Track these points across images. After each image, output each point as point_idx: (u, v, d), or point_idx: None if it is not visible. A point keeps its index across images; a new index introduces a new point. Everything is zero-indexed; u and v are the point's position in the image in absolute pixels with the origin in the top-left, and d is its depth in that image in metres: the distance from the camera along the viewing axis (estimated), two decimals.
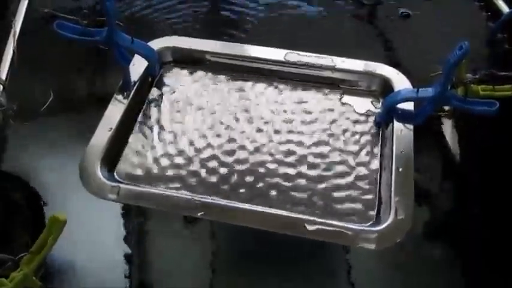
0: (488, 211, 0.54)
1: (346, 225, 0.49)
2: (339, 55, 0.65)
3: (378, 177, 0.54)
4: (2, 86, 0.47)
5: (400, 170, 0.53)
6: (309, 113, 0.61)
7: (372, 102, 0.62)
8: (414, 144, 0.56)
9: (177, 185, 0.54)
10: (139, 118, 0.60)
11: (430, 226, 0.53)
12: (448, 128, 0.61)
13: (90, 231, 0.51)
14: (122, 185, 0.52)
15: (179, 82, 0.64)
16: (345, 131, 0.59)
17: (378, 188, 0.53)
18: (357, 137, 0.58)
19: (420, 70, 0.64)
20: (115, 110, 0.59)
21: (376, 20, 0.73)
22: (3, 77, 0.48)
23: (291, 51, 0.64)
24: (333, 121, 0.60)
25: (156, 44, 0.65)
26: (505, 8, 0.62)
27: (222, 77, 0.65)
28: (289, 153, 0.57)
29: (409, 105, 0.58)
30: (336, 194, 0.53)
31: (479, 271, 0.50)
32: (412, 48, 0.69)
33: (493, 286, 0.49)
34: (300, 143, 0.57)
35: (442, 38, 0.68)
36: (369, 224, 0.50)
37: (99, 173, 0.52)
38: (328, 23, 0.72)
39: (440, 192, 0.56)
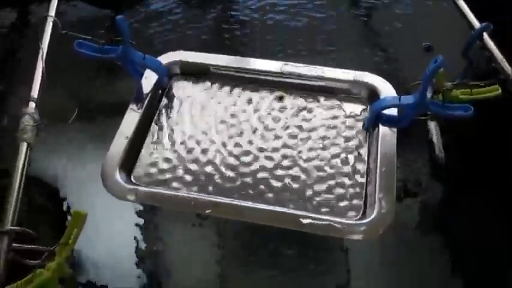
0: (470, 199, 0.60)
1: (335, 219, 0.55)
2: (334, 60, 0.71)
3: (365, 176, 0.61)
4: (34, 104, 0.54)
5: (384, 169, 0.59)
6: (304, 118, 0.67)
7: (360, 108, 0.68)
8: (400, 142, 0.62)
9: (188, 186, 0.60)
10: (152, 126, 0.66)
11: (419, 218, 0.59)
12: (431, 127, 0.67)
13: (109, 227, 0.57)
14: (139, 188, 0.59)
15: (187, 93, 0.70)
16: (336, 134, 0.65)
17: (364, 185, 0.60)
18: (347, 139, 0.64)
19: (404, 77, 0.70)
20: (130, 120, 0.65)
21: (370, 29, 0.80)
22: (36, 95, 0.54)
23: (287, 62, 0.70)
24: (325, 125, 0.66)
25: (166, 58, 0.71)
26: (475, 21, 0.68)
27: (225, 88, 0.71)
28: (286, 156, 0.63)
29: (393, 111, 0.64)
30: (326, 192, 0.59)
31: (464, 257, 0.56)
32: (399, 56, 0.76)
33: (481, 271, 0.55)
34: (295, 147, 0.64)
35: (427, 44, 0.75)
36: (356, 218, 0.57)
37: (119, 177, 0.59)
38: (325, 31, 0.79)
39: (427, 185, 0.63)
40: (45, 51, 0.57)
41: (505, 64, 0.61)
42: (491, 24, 0.61)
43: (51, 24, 0.62)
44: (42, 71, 0.55)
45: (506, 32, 0.70)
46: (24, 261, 0.48)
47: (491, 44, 0.63)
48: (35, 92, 0.55)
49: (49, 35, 0.61)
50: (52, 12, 0.63)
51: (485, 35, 0.64)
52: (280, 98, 0.70)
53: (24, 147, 0.52)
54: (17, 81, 0.71)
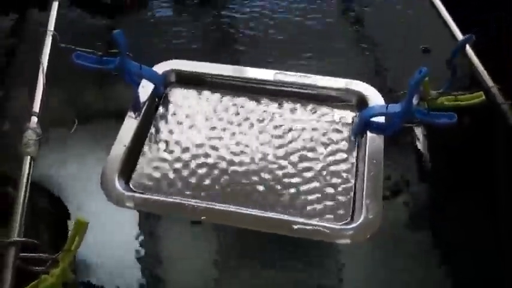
0: (456, 202, 0.63)
1: (324, 224, 0.58)
2: (326, 68, 0.74)
3: (353, 181, 0.63)
4: (36, 118, 0.56)
5: (372, 174, 0.62)
6: (296, 125, 0.69)
7: (350, 114, 0.71)
8: (387, 148, 0.65)
9: (184, 193, 0.62)
10: (149, 134, 0.68)
11: (406, 222, 0.62)
12: (417, 133, 0.70)
13: (109, 234, 0.60)
14: (136, 195, 0.61)
15: (183, 101, 0.73)
16: (326, 140, 0.68)
17: (352, 190, 0.62)
18: (336, 145, 0.67)
19: (394, 85, 0.73)
20: (128, 127, 0.67)
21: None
22: (37, 110, 0.57)
23: (279, 71, 0.73)
24: (316, 131, 0.68)
25: (161, 67, 0.73)
26: (458, 33, 0.70)
27: (220, 95, 0.73)
28: (277, 162, 0.65)
29: (381, 118, 0.67)
30: (316, 197, 0.62)
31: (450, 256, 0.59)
32: (390, 63, 0.78)
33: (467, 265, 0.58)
34: (287, 153, 0.66)
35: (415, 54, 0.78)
36: (344, 223, 0.59)
37: (118, 185, 0.61)
38: (317, 39, 0.81)
39: (413, 189, 0.65)
40: (45, 65, 0.59)
41: (486, 76, 0.63)
42: (474, 35, 0.63)
43: (50, 38, 0.64)
44: (43, 86, 0.57)
45: (502, 28, 0.72)
46: (30, 268, 0.50)
47: (473, 56, 0.65)
48: (36, 107, 0.57)
49: (49, 49, 0.63)
50: (51, 26, 0.66)
51: (468, 47, 0.66)
52: (273, 106, 0.72)
53: (27, 160, 0.54)
54: (15, 84, 0.73)
